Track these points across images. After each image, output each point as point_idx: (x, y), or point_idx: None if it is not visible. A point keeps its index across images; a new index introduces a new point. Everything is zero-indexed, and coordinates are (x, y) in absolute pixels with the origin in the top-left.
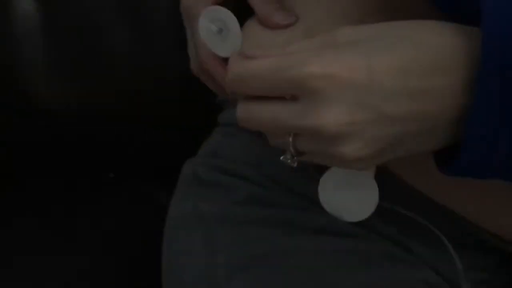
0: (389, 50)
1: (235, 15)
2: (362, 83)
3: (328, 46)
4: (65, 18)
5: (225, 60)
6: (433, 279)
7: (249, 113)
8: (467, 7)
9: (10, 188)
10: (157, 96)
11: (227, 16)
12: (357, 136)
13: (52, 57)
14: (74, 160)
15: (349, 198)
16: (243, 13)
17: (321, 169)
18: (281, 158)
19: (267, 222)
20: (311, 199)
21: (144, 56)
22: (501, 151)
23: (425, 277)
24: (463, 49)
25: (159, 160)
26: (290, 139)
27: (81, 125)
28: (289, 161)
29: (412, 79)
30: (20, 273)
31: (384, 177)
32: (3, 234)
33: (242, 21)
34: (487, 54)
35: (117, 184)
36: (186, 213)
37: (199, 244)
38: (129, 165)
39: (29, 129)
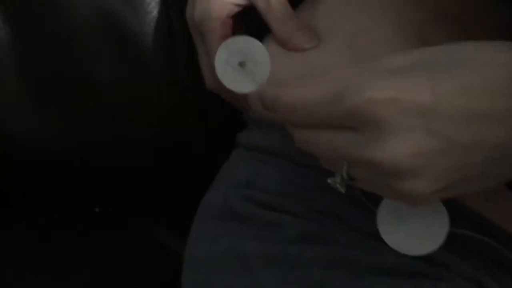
0: (452, 70)
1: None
2: (427, 105)
3: (383, 70)
4: (41, 41)
5: None
6: None
7: (304, 140)
8: None
9: None
10: (145, 122)
11: (253, 46)
12: (427, 169)
13: (26, 85)
14: (56, 195)
15: (414, 228)
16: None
17: (375, 198)
18: (329, 180)
19: (327, 263)
20: (371, 234)
21: (130, 80)
22: None
23: None
24: None
25: (150, 193)
26: (346, 165)
27: (60, 157)
28: (337, 185)
29: (479, 101)
30: None
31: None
32: None
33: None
34: None
35: (104, 219)
36: (219, 253)
37: None
38: (116, 198)
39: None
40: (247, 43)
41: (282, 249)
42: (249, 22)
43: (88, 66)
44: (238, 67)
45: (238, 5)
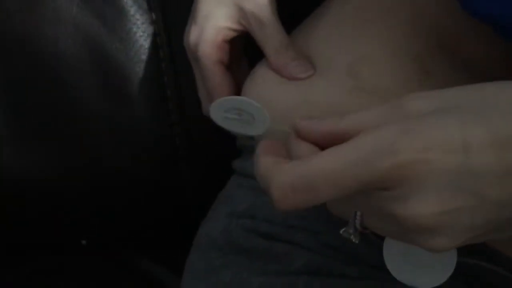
0: (483, 121)
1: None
2: (458, 163)
3: (409, 118)
4: (27, 73)
5: None
6: None
7: (330, 204)
8: None
9: None
10: (132, 154)
11: (246, 105)
12: (450, 228)
13: (12, 119)
14: (42, 229)
15: (422, 261)
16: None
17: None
18: (341, 231)
19: None
20: (380, 267)
21: (117, 110)
22: None
23: None
24: None
25: (137, 226)
26: (359, 213)
27: (46, 190)
28: (351, 236)
29: (507, 152)
30: None
31: None
32: None
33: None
34: None
35: (90, 251)
36: (222, 286)
37: None
38: (103, 231)
39: None
40: (240, 103)
41: (289, 281)
42: (248, 46)
43: (75, 97)
44: (237, 119)
45: (234, 30)
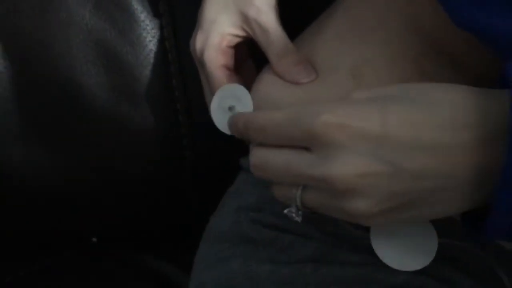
0: (404, 106)
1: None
2: (375, 134)
3: (344, 101)
4: (40, 76)
5: None
6: None
7: (263, 159)
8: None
9: None
10: (141, 154)
11: (242, 93)
12: (368, 190)
13: (25, 121)
14: (53, 227)
15: (405, 244)
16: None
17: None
18: (285, 211)
19: (340, 280)
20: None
21: (127, 113)
22: None
23: None
24: (477, 108)
25: (142, 223)
26: (299, 191)
27: (58, 189)
28: (293, 214)
29: (427, 133)
30: None
31: None
32: None
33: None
34: None
35: (101, 249)
36: (230, 275)
37: None
38: (112, 229)
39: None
40: (235, 90)
41: (297, 269)
42: (255, 49)
43: (85, 98)
44: (228, 111)
45: (238, 36)
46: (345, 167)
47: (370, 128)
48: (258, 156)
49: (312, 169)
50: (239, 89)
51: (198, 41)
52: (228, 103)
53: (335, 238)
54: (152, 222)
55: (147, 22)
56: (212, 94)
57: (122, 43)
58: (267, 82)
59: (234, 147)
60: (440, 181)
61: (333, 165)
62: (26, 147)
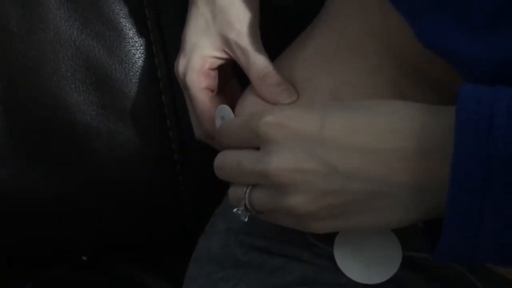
0: (345, 111)
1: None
2: (312, 135)
3: (288, 106)
4: (28, 94)
5: None
6: None
7: (222, 160)
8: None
9: None
10: (132, 171)
11: (226, 113)
12: (304, 186)
13: (13, 138)
14: (42, 245)
15: (369, 257)
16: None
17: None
18: (234, 210)
19: None
20: None
21: (117, 130)
22: (484, 238)
23: None
24: (419, 120)
25: (134, 240)
26: (247, 190)
27: (47, 208)
28: (240, 212)
29: (364, 137)
30: None
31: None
32: None
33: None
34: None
35: (91, 267)
36: None
37: None
38: (103, 246)
39: None
40: (221, 110)
41: None
42: (240, 69)
43: (75, 117)
44: None
45: (219, 58)
46: (280, 162)
47: (307, 129)
48: (219, 158)
49: (255, 165)
50: (224, 109)
51: (181, 64)
52: (217, 123)
53: (324, 260)
54: (143, 238)
55: (136, 39)
56: (197, 115)
57: (111, 60)
58: (249, 103)
59: None
60: (376, 185)
61: (270, 160)
62: (14, 165)
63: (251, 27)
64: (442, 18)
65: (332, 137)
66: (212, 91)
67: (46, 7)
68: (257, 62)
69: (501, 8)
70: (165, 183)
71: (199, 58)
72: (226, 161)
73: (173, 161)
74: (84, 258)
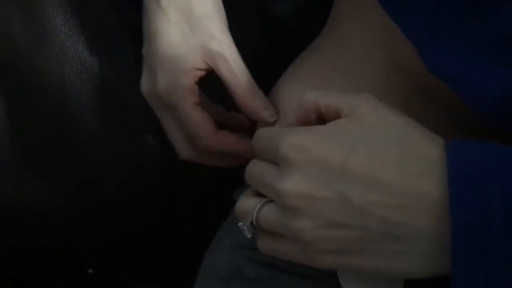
0: (372, 147)
1: None
2: (334, 165)
3: (317, 128)
4: (35, 110)
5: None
6: None
7: (250, 168)
8: None
9: None
10: (136, 183)
11: None
12: (313, 213)
13: (20, 154)
14: (48, 257)
15: (374, 279)
16: None
17: None
18: (240, 224)
19: None
20: None
21: (122, 145)
22: None
23: None
24: (442, 163)
25: (138, 252)
26: (258, 205)
27: (53, 221)
28: (245, 227)
29: (388, 176)
30: None
31: None
32: None
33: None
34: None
35: (97, 280)
36: None
37: None
38: (112, 256)
39: None
40: None
41: None
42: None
43: (79, 129)
44: None
45: (202, 70)
46: (294, 185)
47: (329, 158)
48: (249, 166)
49: (273, 181)
50: None
51: (161, 83)
52: None
53: (331, 277)
54: (149, 253)
55: (141, 53)
56: (194, 134)
57: (116, 74)
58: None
59: (230, 175)
60: (393, 227)
61: (286, 181)
62: (20, 178)
63: (231, 38)
64: (449, 48)
65: (354, 171)
66: (200, 106)
67: (51, 23)
68: (242, 75)
69: (507, 39)
70: (168, 196)
71: (184, 73)
72: (254, 171)
73: (177, 174)
74: (90, 271)
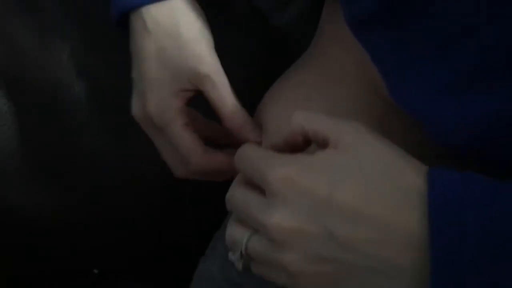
0: (360, 180)
1: None
2: (320, 198)
3: (304, 159)
4: (40, 116)
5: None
6: None
7: (231, 194)
8: None
9: None
10: (139, 189)
11: None
12: (300, 247)
13: (26, 159)
14: (54, 259)
15: None
16: None
17: None
18: (230, 254)
19: None
20: None
21: (126, 152)
22: None
23: None
24: (424, 196)
25: (141, 255)
26: (247, 236)
27: (59, 223)
28: (236, 260)
29: (375, 211)
30: None
31: None
32: None
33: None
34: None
35: (102, 280)
36: None
37: None
38: (113, 261)
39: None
40: None
41: None
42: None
43: (88, 139)
44: None
45: (189, 91)
46: (282, 218)
47: (316, 191)
48: (230, 191)
49: (258, 213)
50: None
51: (151, 105)
52: None
53: None
54: (151, 255)
55: None
56: (185, 154)
57: (122, 83)
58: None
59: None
60: (377, 263)
61: (273, 214)
62: (28, 183)
63: (218, 61)
64: (410, 78)
65: (340, 205)
66: (190, 127)
67: (61, 31)
68: (229, 97)
69: (469, 72)
70: (170, 199)
71: (173, 95)
72: (236, 198)
73: (177, 181)
74: (95, 271)
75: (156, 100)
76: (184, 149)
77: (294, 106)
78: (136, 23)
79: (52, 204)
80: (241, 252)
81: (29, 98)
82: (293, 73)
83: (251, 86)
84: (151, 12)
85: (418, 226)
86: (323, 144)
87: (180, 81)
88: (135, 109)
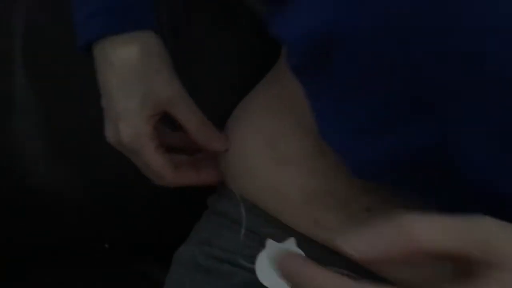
0: None
1: None
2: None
3: None
4: (65, 111)
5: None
6: None
7: None
8: None
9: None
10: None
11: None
12: None
13: (51, 139)
14: (72, 235)
15: None
16: None
17: None
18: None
19: None
20: None
21: None
22: None
23: None
24: None
25: (152, 237)
26: None
27: (78, 201)
28: None
29: None
30: None
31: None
32: None
33: None
34: None
35: (110, 255)
36: None
37: None
38: (124, 238)
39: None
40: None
41: None
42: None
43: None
44: None
45: (156, 115)
46: None
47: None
48: None
49: None
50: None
51: (123, 132)
52: None
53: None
54: (162, 236)
55: None
56: (157, 174)
57: None
58: None
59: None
60: None
61: None
62: (48, 164)
63: (179, 83)
64: (330, 119)
65: None
66: (161, 148)
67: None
68: (193, 114)
69: (380, 114)
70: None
71: (142, 122)
72: None
73: None
74: (106, 245)
75: (128, 130)
76: (157, 169)
77: (259, 126)
78: (98, 55)
79: (72, 181)
80: None
81: (52, 83)
82: (260, 90)
83: (248, 87)
84: (110, 45)
85: None
86: (461, 262)
87: (148, 108)
88: (109, 135)
